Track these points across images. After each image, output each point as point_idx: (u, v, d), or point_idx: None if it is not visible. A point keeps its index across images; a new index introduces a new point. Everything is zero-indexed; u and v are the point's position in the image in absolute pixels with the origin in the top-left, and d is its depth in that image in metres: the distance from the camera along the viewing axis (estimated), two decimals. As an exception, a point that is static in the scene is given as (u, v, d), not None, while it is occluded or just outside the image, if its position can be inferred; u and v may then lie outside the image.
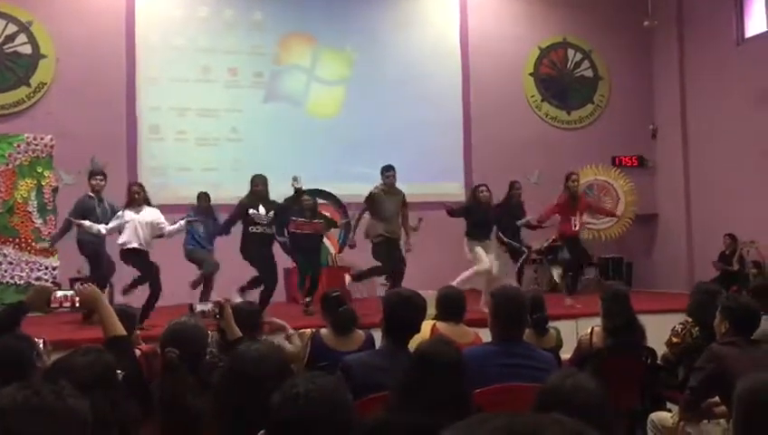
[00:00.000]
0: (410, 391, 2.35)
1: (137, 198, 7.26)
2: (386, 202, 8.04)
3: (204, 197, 8.08)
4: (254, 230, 7.57)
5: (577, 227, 8.78)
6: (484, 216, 8.28)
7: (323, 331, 4.20)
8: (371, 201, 8.09)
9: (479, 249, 8.13)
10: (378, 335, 3.70)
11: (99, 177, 7.63)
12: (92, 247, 7.51)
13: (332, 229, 9.61)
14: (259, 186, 7.69)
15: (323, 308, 4.38)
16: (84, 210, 7.43)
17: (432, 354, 2.43)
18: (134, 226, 7.13)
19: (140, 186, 7.52)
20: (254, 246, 7.57)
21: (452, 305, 4.07)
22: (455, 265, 8.46)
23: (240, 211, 7.67)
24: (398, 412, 2.30)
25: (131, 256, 7.18)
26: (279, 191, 8.14)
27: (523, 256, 8.93)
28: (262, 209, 7.58)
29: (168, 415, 2.66)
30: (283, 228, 8.36)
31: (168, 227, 7.43)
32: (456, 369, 2.40)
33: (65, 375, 2.00)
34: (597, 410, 1.95)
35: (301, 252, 8.43)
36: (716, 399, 3.62)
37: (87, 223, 7.20)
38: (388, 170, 8.12)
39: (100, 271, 7.53)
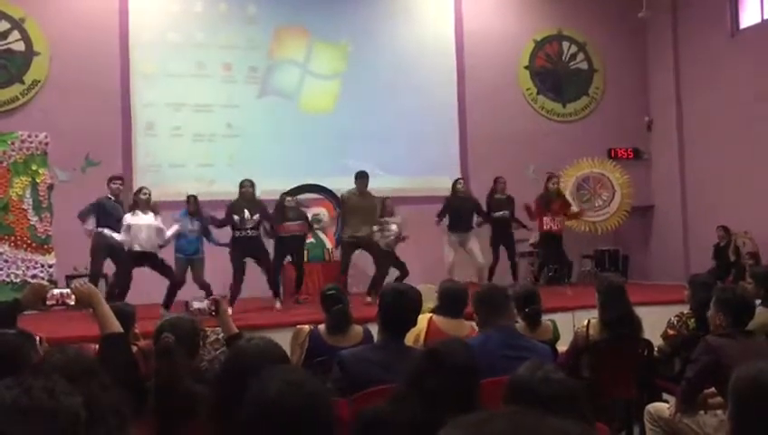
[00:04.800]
0: (417, 386, 2.32)
1: (143, 199, 7.40)
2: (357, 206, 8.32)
3: (192, 200, 7.99)
4: (238, 235, 7.74)
5: (555, 228, 8.84)
6: (461, 208, 8.63)
7: (321, 326, 4.19)
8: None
9: (447, 247, 8.70)
10: (374, 330, 3.70)
11: (119, 181, 7.84)
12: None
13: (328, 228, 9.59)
14: (245, 187, 7.87)
15: (322, 305, 4.37)
16: (106, 212, 7.57)
17: (445, 354, 2.38)
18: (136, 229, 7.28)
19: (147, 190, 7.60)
20: (237, 251, 7.76)
21: (452, 301, 4.06)
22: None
23: (227, 215, 7.87)
24: (402, 404, 2.28)
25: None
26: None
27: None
28: (247, 214, 7.71)
29: (163, 401, 2.61)
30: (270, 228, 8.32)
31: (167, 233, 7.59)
32: (468, 370, 2.36)
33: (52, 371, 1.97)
34: (567, 401, 1.94)
35: (282, 247, 8.43)
36: (713, 390, 3.64)
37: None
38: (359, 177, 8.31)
39: (97, 267, 7.58)
